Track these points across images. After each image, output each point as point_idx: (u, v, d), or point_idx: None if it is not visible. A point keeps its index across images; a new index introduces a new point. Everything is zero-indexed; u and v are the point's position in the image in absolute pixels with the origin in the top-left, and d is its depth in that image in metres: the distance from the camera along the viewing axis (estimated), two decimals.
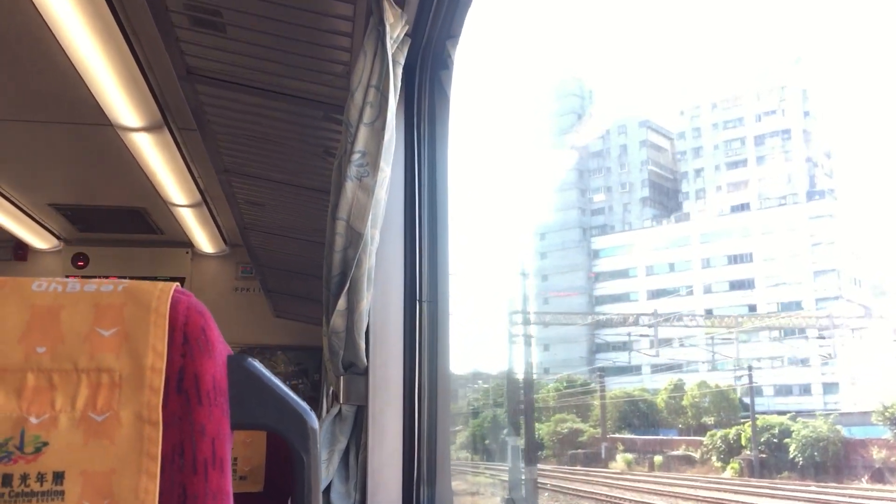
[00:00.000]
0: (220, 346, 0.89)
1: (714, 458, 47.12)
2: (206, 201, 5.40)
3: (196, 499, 0.84)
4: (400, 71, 2.04)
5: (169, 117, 4.11)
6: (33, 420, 0.81)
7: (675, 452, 50.37)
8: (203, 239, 6.39)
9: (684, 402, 57.86)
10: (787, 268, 75.65)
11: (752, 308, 76.57)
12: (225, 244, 6.60)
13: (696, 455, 48.66)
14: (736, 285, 78.81)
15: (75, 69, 3.57)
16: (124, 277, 1.21)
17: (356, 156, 1.94)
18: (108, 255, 6.68)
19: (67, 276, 1.06)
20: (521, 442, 56.29)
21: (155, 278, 6.18)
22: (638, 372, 73.08)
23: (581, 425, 55.75)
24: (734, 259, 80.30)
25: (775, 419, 48.42)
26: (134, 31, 3.32)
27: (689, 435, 54.22)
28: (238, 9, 2.53)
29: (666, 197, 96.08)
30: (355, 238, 1.97)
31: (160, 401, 0.82)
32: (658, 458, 49.44)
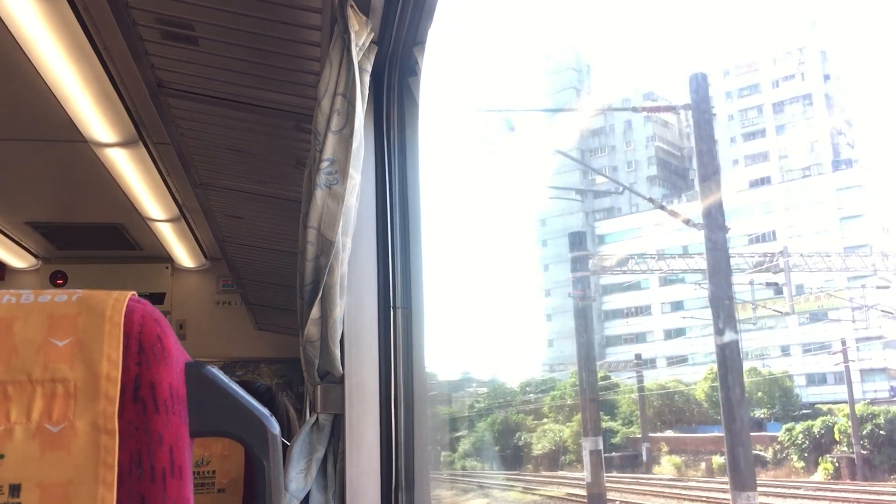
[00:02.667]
0: (176, 354, 0.89)
1: (795, 458, 38.66)
2: (184, 215, 5.38)
3: None
4: (367, 78, 2.05)
5: (143, 132, 4.10)
6: None
7: None
8: (182, 253, 6.36)
9: None
10: (815, 244, 67.62)
11: (779, 290, 72.28)
12: (205, 258, 6.58)
13: (768, 454, 40.30)
14: (759, 267, 71.61)
15: (47, 86, 3.55)
16: None
17: (325, 164, 1.95)
18: (86, 272, 6.64)
19: None
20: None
21: None
22: (653, 365, 66.58)
23: (611, 424, 49.04)
24: (756, 238, 71.74)
25: (878, 408, 38.49)
26: (105, 47, 3.31)
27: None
28: (208, 21, 2.53)
29: (675, 175, 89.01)
30: (326, 246, 1.97)
31: (116, 410, 0.82)
32: (718, 460, 39.92)
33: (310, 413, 2.21)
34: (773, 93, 79.87)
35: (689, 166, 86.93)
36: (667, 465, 43.45)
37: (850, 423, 36.17)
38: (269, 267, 5.25)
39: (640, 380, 49.77)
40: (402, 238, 2.23)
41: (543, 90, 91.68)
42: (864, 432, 35.88)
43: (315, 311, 2.03)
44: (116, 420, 0.82)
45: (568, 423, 50.41)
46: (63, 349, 0.83)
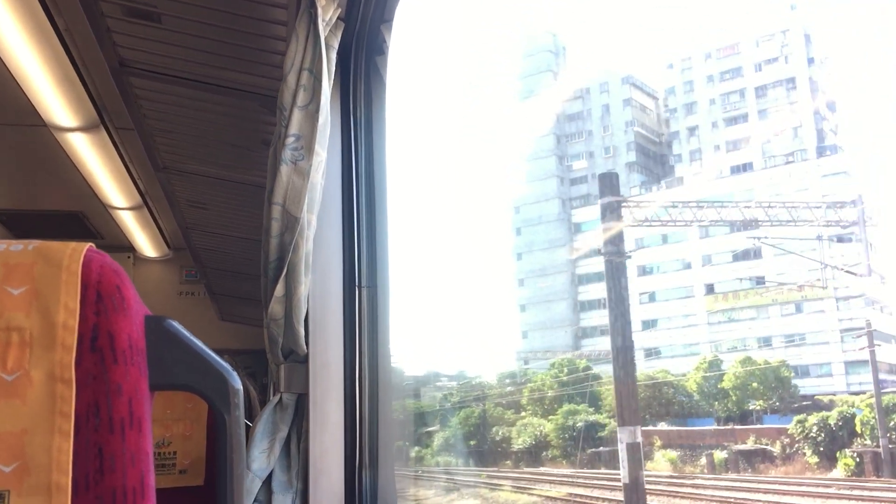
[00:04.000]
0: (136, 306, 0.87)
1: (809, 452, 34.98)
2: (146, 203, 5.31)
3: (113, 459, 0.82)
4: (334, 55, 2.04)
5: (105, 116, 4.03)
6: None
7: (741, 446, 37.72)
8: (145, 243, 6.28)
9: (724, 385, 46.58)
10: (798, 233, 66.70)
11: (760, 280, 66.63)
12: (168, 248, 6.50)
13: (776, 449, 36.81)
14: (740, 256, 67.93)
15: (7, 68, 3.48)
16: None
17: (290, 139, 1.93)
18: None
19: None
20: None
21: None
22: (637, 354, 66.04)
23: (598, 417, 45.94)
24: (737, 227, 67.82)
25: None
26: (67, 27, 3.25)
27: (728, 424, 43.31)
28: None
29: (653, 161, 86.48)
30: (291, 222, 1.95)
31: (73, 359, 0.80)
32: (719, 455, 37.89)
33: (273, 393, 2.19)
34: (756, 76, 77.89)
35: (668, 153, 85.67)
36: (661, 461, 40.23)
37: (874, 414, 32.56)
38: (233, 256, 5.20)
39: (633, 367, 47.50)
40: (368, 217, 2.22)
41: (518, 73, 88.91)
42: (892, 424, 32.43)
43: (279, 289, 2.01)
44: (73, 369, 0.80)
45: (551, 417, 47.69)
46: (18, 297, 0.81)
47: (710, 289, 69.73)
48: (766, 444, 37.63)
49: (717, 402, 47.54)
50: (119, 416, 0.83)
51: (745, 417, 45.68)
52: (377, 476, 2.08)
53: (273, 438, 2.11)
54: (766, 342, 62.19)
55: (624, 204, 24.00)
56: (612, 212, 22.73)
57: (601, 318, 75.48)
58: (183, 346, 0.90)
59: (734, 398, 46.84)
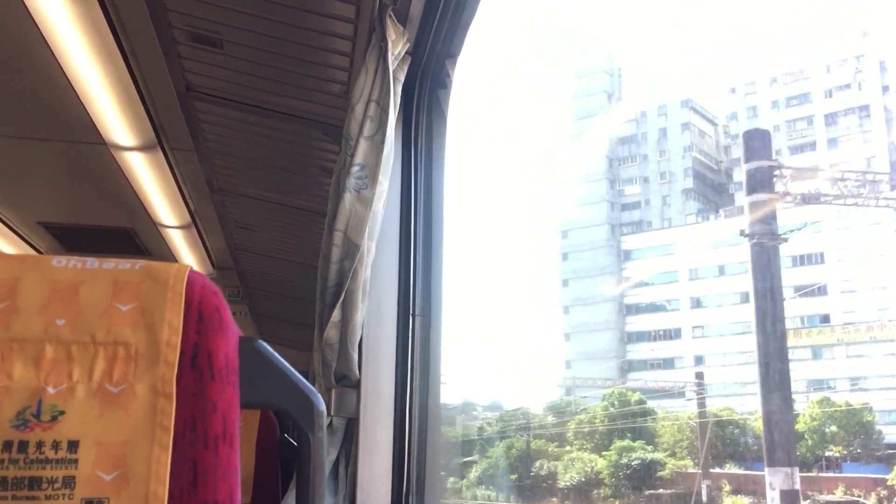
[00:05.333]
0: (232, 327, 0.91)
1: None
2: (195, 223, 5.41)
3: (206, 473, 0.85)
4: (399, 88, 2.09)
5: (163, 137, 4.13)
6: (51, 390, 0.83)
7: (829, 497, 33.76)
8: (191, 261, 6.38)
9: (798, 427, 40.31)
10: (869, 269, 61.14)
11: (825, 318, 62.98)
12: (213, 267, 6.59)
13: (870, 501, 33.53)
14: (803, 291, 62.76)
15: (72, 87, 3.59)
16: None
17: (355, 168, 1.98)
18: None
19: None
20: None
21: None
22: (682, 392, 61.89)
23: (657, 455, 42.06)
24: (800, 260, 65.67)
25: None
26: (132, 50, 3.36)
27: (801, 471, 40.72)
28: (238, 26, 2.57)
29: (711, 189, 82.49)
30: (352, 249, 1.99)
31: (174, 375, 0.84)
32: None
33: None
34: (826, 103, 73.83)
35: (728, 180, 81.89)
36: None
37: None
38: (277, 278, 5.27)
39: (702, 403, 40.93)
40: (425, 247, 2.26)
41: (571, 93, 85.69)
42: None
43: (336, 314, 2.05)
44: (174, 385, 0.84)
45: (604, 453, 43.74)
46: (126, 314, 0.85)
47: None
48: (859, 496, 34.19)
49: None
50: (214, 432, 0.86)
51: (820, 464, 41.73)
52: None
53: None
54: (825, 385, 58.74)
55: (778, 172, 18.71)
56: (761, 181, 17.54)
57: (650, 351, 72.67)
58: (274, 367, 0.94)
59: (809, 442, 41.92)
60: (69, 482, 0.81)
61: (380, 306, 2.19)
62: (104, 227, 5.82)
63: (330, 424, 2.18)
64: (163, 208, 5.10)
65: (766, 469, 16.40)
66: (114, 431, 0.83)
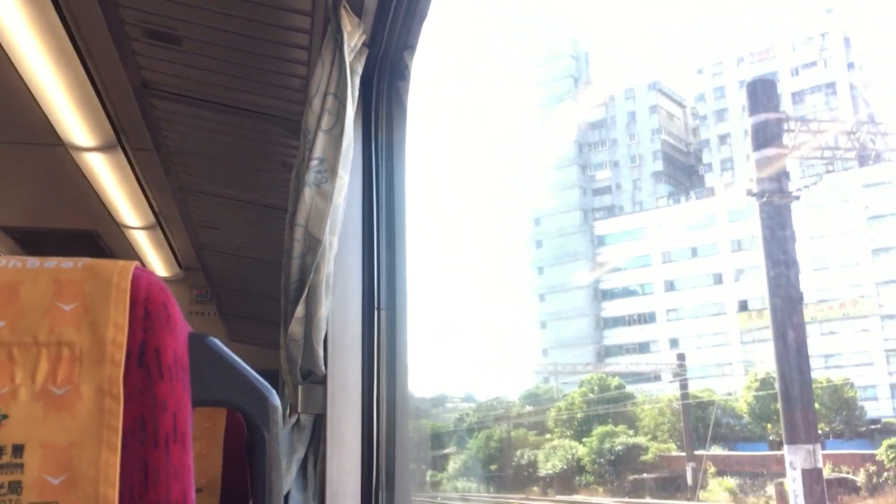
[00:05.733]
0: (181, 323, 0.89)
1: None
2: (160, 223, 5.34)
3: (158, 473, 0.84)
4: (357, 80, 2.07)
5: (123, 137, 4.07)
6: None
7: None
8: (157, 262, 6.30)
9: (780, 405, 41.14)
10: (840, 246, 60.17)
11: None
12: (179, 268, 6.52)
13: (859, 478, 32.13)
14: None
15: (27, 88, 3.52)
16: None
17: (314, 162, 1.96)
18: None
19: None
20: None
21: None
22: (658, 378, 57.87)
23: (639, 439, 41.45)
24: None
25: None
26: (88, 49, 3.30)
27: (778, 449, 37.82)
28: (195, 21, 2.54)
29: (681, 172, 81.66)
30: (314, 244, 1.98)
31: (121, 374, 0.82)
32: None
33: (290, 413, 2.20)
34: (793, 81, 72.91)
35: (697, 162, 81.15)
36: (717, 490, 35.45)
37: None
38: (245, 276, 5.22)
39: (684, 385, 40.30)
40: (388, 239, 2.25)
41: (537, 80, 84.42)
42: None
43: (300, 310, 2.03)
44: (121, 384, 0.82)
45: (585, 439, 42.91)
46: (69, 313, 0.83)
47: (742, 306, 66.32)
48: (848, 473, 32.57)
49: (769, 425, 41.30)
50: (164, 430, 0.85)
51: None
52: (393, 498, 2.09)
53: (290, 459, 2.12)
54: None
55: (788, 125, 17.04)
56: (768, 134, 16.03)
57: (629, 335, 72.15)
58: (224, 363, 0.92)
59: None
60: (15, 487, 0.79)
61: (344, 301, 2.17)
62: (67, 230, 5.73)
63: (297, 421, 2.17)
64: (126, 209, 5.03)
65: (784, 448, 15.13)
66: (60, 434, 0.81)
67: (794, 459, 14.55)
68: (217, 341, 0.93)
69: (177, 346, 0.87)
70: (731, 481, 35.39)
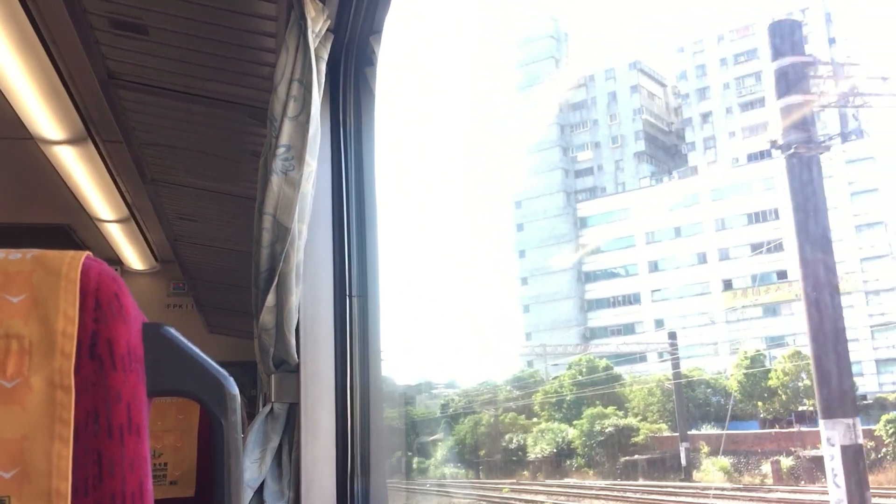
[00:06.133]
0: (134, 313, 0.88)
1: None
2: (133, 216, 5.29)
3: (112, 464, 0.83)
4: (323, 66, 2.06)
5: (92, 129, 4.03)
6: None
7: (813, 452, 30.39)
8: (132, 256, 6.25)
9: (772, 382, 40.24)
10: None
11: (782, 275, 61.89)
12: (155, 260, 6.48)
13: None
14: (759, 248, 61.47)
15: None
16: None
17: (281, 150, 1.94)
18: None
19: None
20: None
21: None
22: (644, 359, 57.54)
23: (629, 420, 40.64)
24: (756, 217, 65.00)
25: None
26: (54, 41, 3.25)
27: (774, 427, 37.93)
28: (160, 11, 2.50)
29: (663, 151, 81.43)
30: (282, 232, 1.96)
31: (72, 366, 0.81)
32: (786, 462, 32.00)
33: (264, 403, 2.19)
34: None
35: (680, 141, 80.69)
36: (711, 470, 34.51)
37: None
38: (221, 268, 5.19)
39: (676, 364, 39.20)
40: (359, 226, 2.23)
41: (517, 61, 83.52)
42: None
43: (270, 299, 2.02)
44: (73, 376, 0.81)
45: (575, 422, 41.94)
46: (17, 305, 0.82)
47: (727, 285, 65.77)
48: None
49: (760, 403, 41.18)
50: (118, 422, 0.83)
51: (793, 419, 39.31)
52: (369, 484, 2.08)
53: (265, 448, 2.11)
54: (778, 341, 57.67)
55: (814, 70, 15.95)
56: (794, 80, 14.72)
57: (613, 316, 71.64)
58: (180, 352, 0.91)
59: (783, 397, 40.29)
60: None
61: (315, 289, 2.16)
62: (39, 224, 5.67)
63: (271, 411, 2.16)
64: (99, 203, 4.98)
65: (820, 423, 13.84)
66: (10, 427, 0.79)
67: (832, 435, 13.29)
68: (172, 330, 0.92)
69: (130, 336, 0.86)
70: (724, 461, 34.58)
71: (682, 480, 33.93)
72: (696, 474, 34.92)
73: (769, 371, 41.51)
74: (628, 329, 70.17)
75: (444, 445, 49.49)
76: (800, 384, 40.06)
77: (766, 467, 32.75)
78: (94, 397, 0.83)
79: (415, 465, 47.77)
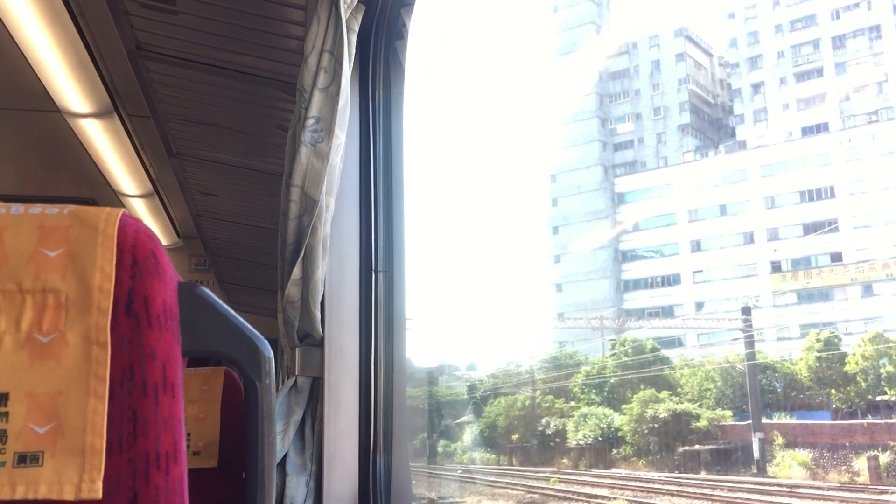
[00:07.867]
0: (170, 272, 0.87)
1: None
2: (157, 191, 5.31)
3: (147, 422, 0.82)
4: (354, 38, 2.04)
5: (119, 103, 4.03)
6: None
7: None
8: (155, 231, 6.24)
9: (848, 368, 36.11)
10: (883, 203, 56.57)
11: (836, 257, 58.69)
12: (178, 236, 6.50)
13: None
14: (812, 228, 58.82)
15: (21, 53, 3.47)
16: None
17: (310, 121, 1.93)
18: None
19: None
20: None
21: None
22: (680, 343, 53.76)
23: (688, 406, 36.56)
24: (810, 195, 61.21)
25: None
26: (82, 13, 3.25)
27: (852, 418, 33.59)
28: None
29: (709, 124, 77.13)
30: (310, 205, 1.95)
31: (108, 322, 0.80)
32: (885, 458, 27.97)
33: (288, 376, 2.19)
34: (833, 25, 66.84)
35: (726, 115, 76.48)
36: (788, 464, 30.79)
37: None
38: (244, 244, 5.20)
39: (750, 344, 35.09)
40: (386, 201, 2.22)
41: (556, 26, 79.00)
42: None
43: (297, 272, 2.01)
44: (108, 332, 0.80)
45: (624, 406, 38.43)
46: (55, 260, 0.81)
47: (775, 267, 62.18)
48: None
49: (833, 391, 37.09)
50: (153, 380, 0.83)
51: (871, 410, 35.57)
52: (391, 460, 2.08)
53: (287, 421, 2.11)
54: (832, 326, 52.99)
55: None
56: None
57: (650, 298, 67.85)
58: (215, 313, 0.90)
59: (863, 385, 36.15)
60: (0, 436, 0.78)
61: (341, 263, 2.15)
62: (64, 198, 5.69)
63: (295, 384, 2.15)
64: (123, 177, 5.00)
65: None
66: (46, 382, 0.79)
67: None
68: (208, 291, 0.91)
69: (166, 294, 0.85)
70: (804, 454, 31.05)
71: (754, 475, 30.46)
72: (771, 469, 31.65)
73: (845, 356, 37.50)
74: (666, 311, 67.07)
75: (472, 429, 46.95)
76: (882, 371, 36.15)
77: (858, 463, 29.25)
78: (129, 355, 0.82)
79: (440, 449, 45.77)
